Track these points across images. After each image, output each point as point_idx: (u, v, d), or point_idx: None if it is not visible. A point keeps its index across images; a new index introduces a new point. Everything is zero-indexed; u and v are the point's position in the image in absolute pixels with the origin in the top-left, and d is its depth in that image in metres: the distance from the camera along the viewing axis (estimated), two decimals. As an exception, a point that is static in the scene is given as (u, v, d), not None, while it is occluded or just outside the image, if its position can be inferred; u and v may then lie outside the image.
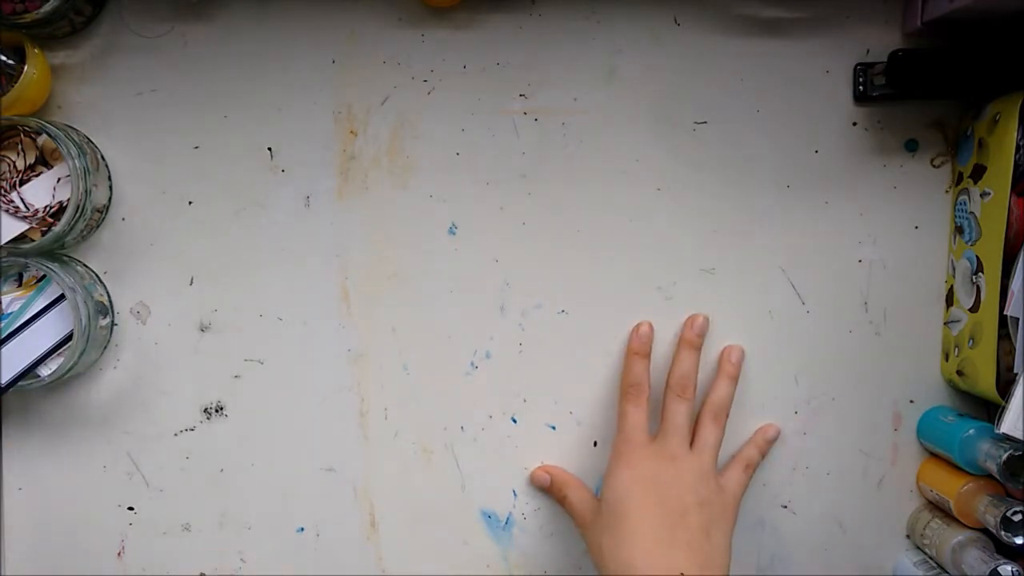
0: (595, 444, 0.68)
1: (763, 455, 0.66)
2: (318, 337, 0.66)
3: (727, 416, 0.64)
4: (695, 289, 0.67)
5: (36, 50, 0.61)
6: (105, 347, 0.66)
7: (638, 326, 0.66)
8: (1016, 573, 0.58)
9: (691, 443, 0.62)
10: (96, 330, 0.63)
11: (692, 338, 0.65)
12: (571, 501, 0.64)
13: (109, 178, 0.65)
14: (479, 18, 0.66)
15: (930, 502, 0.67)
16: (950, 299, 0.66)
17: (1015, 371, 0.59)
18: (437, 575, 0.67)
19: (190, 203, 0.66)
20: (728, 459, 0.65)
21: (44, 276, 0.63)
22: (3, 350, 0.61)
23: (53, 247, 0.63)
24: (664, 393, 0.64)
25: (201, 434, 0.67)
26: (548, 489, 0.66)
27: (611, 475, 0.61)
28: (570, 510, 0.64)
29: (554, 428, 0.67)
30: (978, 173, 0.62)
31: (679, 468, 0.60)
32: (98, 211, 0.64)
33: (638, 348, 0.65)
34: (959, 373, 0.63)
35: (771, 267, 0.67)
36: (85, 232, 0.64)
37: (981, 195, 0.61)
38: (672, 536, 0.57)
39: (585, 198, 0.66)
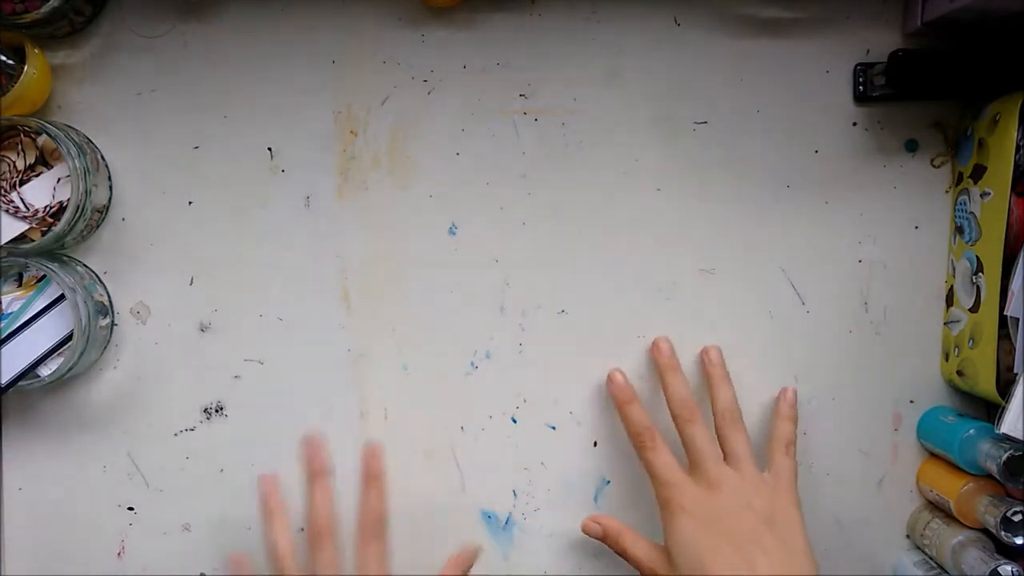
0: (595, 444, 0.68)
1: (795, 422, 0.64)
2: (318, 337, 0.66)
3: (740, 414, 0.62)
4: (695, 289, 0.67)
5: (36, 50, 0.61)
6: (105, 347, 0.66)
7: (611, 377, 0.64)
8: (1016, 573, 0.58)
9: (724, 457, 0.60)
10: (96, 330, 0.63)
11: (667, 361, 0.64)
12: (633, 555, 0.61)
13: (109, 178, 0.65)
14: (479, 18, 0.66)
15: (930, 502, 0.67)
16: (950, 299, 0.66)
17: (1015, 371, 0.59)
18: (437, 575, 0.67)
19: (190, 203, 0.66)
20: (765, 445, 0.63)
21: (44, 276, 0.63)
22: (3, 350, 0.61)
23: (53, 247, 0.63)
24: (674, 424, 0.62)
25: (201, 434, 0.67)
26: (602, 540, 0.64)
27: (671, 528, 0.59)
28: (635, 564, 0.62)
29: (554, 428, 0.67)
30: (978, 173, 0.62)
31: (728, 493, 0.58)
32: (98, 211, 0.64)
33: (624, 397, 0.63)
34: (959, 373, 0.63)
35: (771, 267, 0.67)
36: (85, 232, 0.64)
37: (981, 195, 0.61)
38: (753, 565, 0.56)
39: (585, 198, 0.66)
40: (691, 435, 0.61)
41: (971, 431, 0.61)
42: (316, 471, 0.62)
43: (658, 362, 0.64)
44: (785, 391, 0.65)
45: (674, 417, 0.62)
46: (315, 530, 0.60)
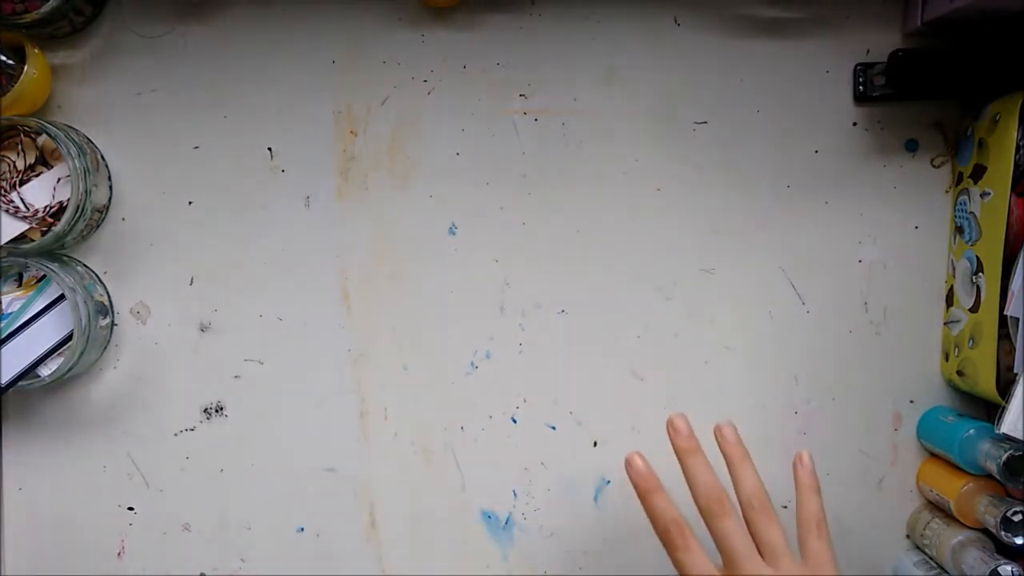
0: (595, 444, 0.68)
1: (820, 494, 0.56)
2: (318, 337, 0.66)
3: (769, 498, 0.55)
4: (695, 289, 0.67)
5: (36, 50, 0.61)
6: (105, 347, 0.66)
7: (630, 462, 0.55)
8: (1016, 573, 0.58)
9: (758, 549, 0.54)
10: (96, 330, 0.63)
11: (686, 444, 0.55)
12: None
13: (109, 178, 0.65)
14: (479, 18, 0.66)
15: (930, 502, 0.67)
16: (950, 299, 0.66)
17: (1015, 371, 0.59)
18: (437, 575, 0.67)
19: (190, 203, 0.66)
20: (794, 530, 0.56)
21: (44, 276, 0.63)
22: (3, 350, 0.61)
23: (53, 247, 0.63)
24: (701, 517, 0.54)
25: (201, 434, 0.67)
26: None
27: None
28: None
29: (554, 428, 0.67)
30: (978, 173, 0.62)
31: None
32: (98, 211, 0.64)
33: (648, 486, 0.55)
34: (959, 373, 0.63)
35: (771, 267, 0.67)
36: (85, 232, 0.64)
37: (981, 195, 0.61)
38: None
39: (585, 198, 0.66)
40: (724, 532, 0.53)
41: (971, 431, 0.61)
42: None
43: (675, 444, 0.56)
44: (801, 457, 0.56)
45: (701, 510, 0.54)
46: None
